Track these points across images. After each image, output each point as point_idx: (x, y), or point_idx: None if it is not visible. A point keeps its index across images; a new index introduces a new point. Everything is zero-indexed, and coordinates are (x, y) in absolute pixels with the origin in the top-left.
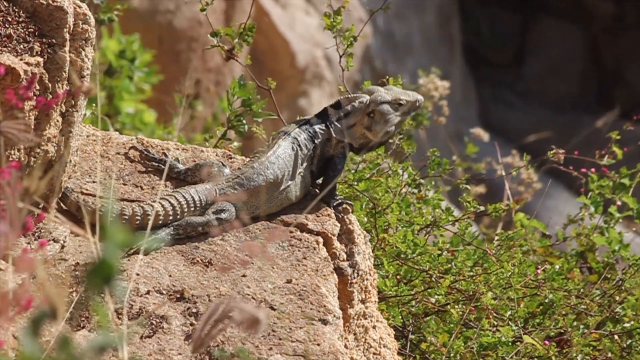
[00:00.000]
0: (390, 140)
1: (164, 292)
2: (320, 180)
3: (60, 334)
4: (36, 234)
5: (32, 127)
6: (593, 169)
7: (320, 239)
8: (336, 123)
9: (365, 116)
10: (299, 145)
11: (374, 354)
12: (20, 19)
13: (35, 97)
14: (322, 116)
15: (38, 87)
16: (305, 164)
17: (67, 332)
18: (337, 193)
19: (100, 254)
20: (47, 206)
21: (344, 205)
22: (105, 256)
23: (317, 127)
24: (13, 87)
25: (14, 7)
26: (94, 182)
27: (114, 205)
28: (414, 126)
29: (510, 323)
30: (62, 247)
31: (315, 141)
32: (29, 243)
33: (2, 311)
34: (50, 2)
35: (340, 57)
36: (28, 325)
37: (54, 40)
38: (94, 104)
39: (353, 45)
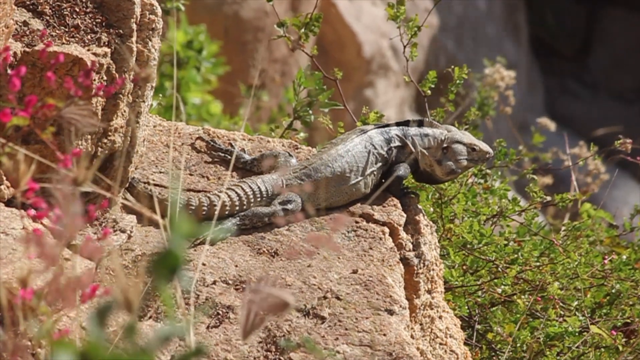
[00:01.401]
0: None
1: (230, 282)
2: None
3: (127, 323)
4: (103, 224)
5: (99, 116)
6: None
7: (387, 229)
8: (413, 138)
9: (439, 149)
10: (373, 145)
11: (440, 344)
12: (88, 10)
13: (96, 86)
14: (403, 126)
15: (105, 78)
16: (379, 164)
17: (133, 321)
18: (404, 183)
19: (167, 244)
20: (114, 196)
21: (411, 196)
22: (171, 246)
23: (395, 133)
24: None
25: None
26: (160, 172)
27: (181, 195)
28: (480, 116)
29: (577, 313)
30: (129, 237)
31: (391, 145)
32: (95, 233)
33: (67, 298)
34: None
35: (405, 47)
36: (95, 315)
37: (121, 31)
38: (160, 95)
39: (417, 36)
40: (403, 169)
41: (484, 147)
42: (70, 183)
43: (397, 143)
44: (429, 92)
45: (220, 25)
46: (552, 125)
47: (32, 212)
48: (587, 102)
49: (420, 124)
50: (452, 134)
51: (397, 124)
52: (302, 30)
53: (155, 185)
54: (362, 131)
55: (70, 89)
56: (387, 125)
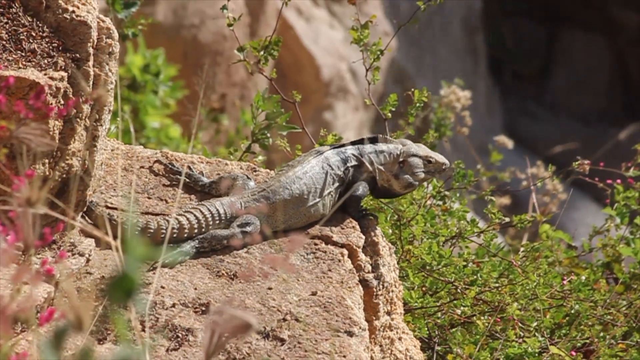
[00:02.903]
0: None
1: (190, 304)
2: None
3: (82, 346)
4: (61, 248)
5: (56, 140)
6: (619, 181)
7: (345, 251)
8: (369, 155)
9: (396, 164)
10: (330, 165)
11: None
12: (44, 34)
13: (47, 108)
14: (358, 145)
15: (62, 102)
16: (336, 185)
17: (90, 344)
18: (362, 205)
19: (123, 268)
20: (73, 219)
21: (370, 217)
22: (127, 270)
23: (350, 153)
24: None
25: (38, 22)
26: (118, 195)
27: (139, 218)
28: (437, 137)
29: (536, 334)
30: (88, 260)
31: (348, 164)
32: (53, 256)
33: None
34: (74, 16)
35: (367, 70)
36: (51, 338)
37: (77, 55)
38: (118, 119)
39: (379, 59)
40: (362, 188)
41: (440, 158)
42: (24, 204)
43: (354, 162)
44: (389, 115)
45: (179, 49)
46: (509, 143)
47: None
48: (546, 123)
49: (374, 140)
50: (407, 148)
51: (353, 143)
52: (262, 53)
53: (113, 208)
54: (318, 152)
55: (21, 112)
56: (343, 146)
